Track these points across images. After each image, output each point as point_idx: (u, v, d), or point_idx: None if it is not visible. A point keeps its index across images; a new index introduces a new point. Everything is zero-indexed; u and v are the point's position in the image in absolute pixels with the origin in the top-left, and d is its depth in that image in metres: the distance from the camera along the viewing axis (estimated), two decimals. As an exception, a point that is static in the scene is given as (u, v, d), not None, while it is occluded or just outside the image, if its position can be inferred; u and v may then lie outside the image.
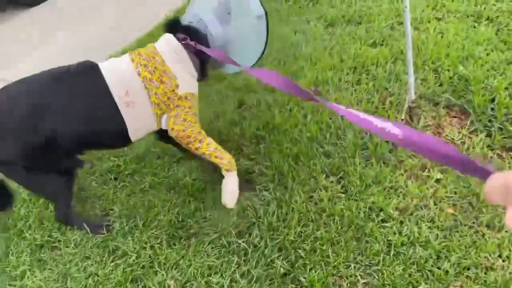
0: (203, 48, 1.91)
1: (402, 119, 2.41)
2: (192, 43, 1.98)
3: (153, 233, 2.11)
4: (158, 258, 1.97)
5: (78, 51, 4.29)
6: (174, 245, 2.04)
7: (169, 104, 1.98)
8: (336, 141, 2.36)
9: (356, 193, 2.05)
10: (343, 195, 2.07)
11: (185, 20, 2.12)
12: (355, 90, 2.72)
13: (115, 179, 2.52)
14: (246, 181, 2.29)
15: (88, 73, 1.90)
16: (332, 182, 2.14)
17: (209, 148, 2.05)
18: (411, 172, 2.13)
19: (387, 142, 2.28)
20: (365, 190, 2.06)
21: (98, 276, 1.95)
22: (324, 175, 2.18)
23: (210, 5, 2.09)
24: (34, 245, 2.19)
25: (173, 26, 2.07)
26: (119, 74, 1.90)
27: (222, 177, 2.22)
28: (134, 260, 1.99)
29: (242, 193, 2.20)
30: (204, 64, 2.11)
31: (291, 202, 2.08)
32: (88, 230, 2.17)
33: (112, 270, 1.97)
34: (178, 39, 2.02)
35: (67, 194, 2.08)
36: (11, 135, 1.79)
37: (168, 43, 2.02)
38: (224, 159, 2.07)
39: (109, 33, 4.51)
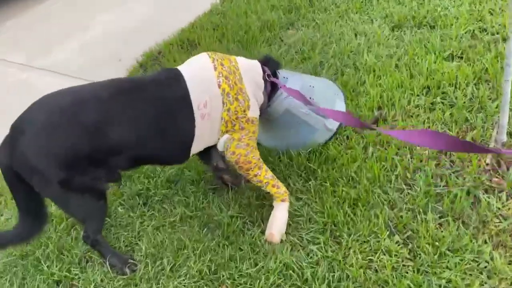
0: (280, 83, 1.98)
1: (487, 164, 1.97)
2: (272, 78, 2.00)
3: (181, 282, 1.83)
4: (184, 320, 1.69)
5: (117, 38, 4.02)
6: (205, 302, 1.75)
7: (235, 124, 1.87)
8: (403, 187, 1.96)
9: (427, 264, 1.67)
10: (410, 264, 1.69)
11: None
12: (428, 118, 2.27)
13: (144, 204, 2.25)
14: (290, 226, 1.95)
15: (170, 82, 1.82)
16: (397, 243, 1.76)
17: (267, 175, 1.94)
18: (499, 240, 1.71)
19: (467, 193, 1.86)
20: (439, 260, 1.67)
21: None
22: (387, 232, 1.80)
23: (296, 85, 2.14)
24: (51, 280, 1.97)
25: (264, 60, 2.07)
26: (200, 82, 1.81)
27: (261, 215, 2.00)
28: (157, 318, 1.72)
29: (285, 241, 1.88)
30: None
31: (345, 265, 1.73)
32: (114, 264, 1.92)
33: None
34: (262, 68, 2.00)
35: (100, 217, 1.88)
36: (66, 135, 1.62)
37: (250, 63, 1.98)
38: (281, 188, 1.96)
39: (149, 20, 4.19)
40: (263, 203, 2.08)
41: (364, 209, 1.90)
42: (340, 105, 2.38)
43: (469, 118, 2.20)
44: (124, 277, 1.90)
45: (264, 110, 2.06)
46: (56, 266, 2.01)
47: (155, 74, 1.90)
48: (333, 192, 2.00)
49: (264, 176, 1.93)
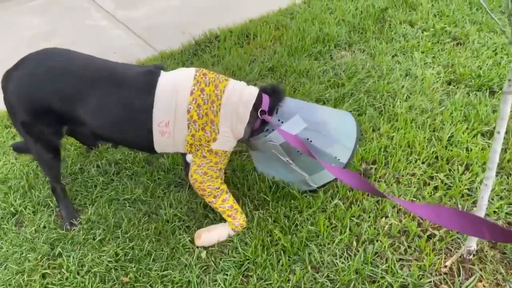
0: (273, 123, 1.84)
1: (445, 266, 1.70)
2: (265, 116, 1.84)
3: (99, 257, 1.91)
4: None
5: (197, 10, 4.14)
6: (104, 283, 1.81)
7: (198, 150, 1.85)
8: (341, 253, 1.78)
9: None
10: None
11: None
12: (417, 190, 2.01)
13: (116, 174, 2.35)
14: (217, 248, 1.90)
15: (143, 86, 1.81)
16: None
17: (223, 205, 1.93)
18: None
19: (402, 289, 1.63)
20: None
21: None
22: (296, 292, 1.67)
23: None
24: (8, 210, 2.19)
25: (272, 92, 1.91)
26: (169, 102, 1.77)
27: (199, 224, 2.00)
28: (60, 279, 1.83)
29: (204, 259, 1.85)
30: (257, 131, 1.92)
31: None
32: (62, 215, 2.11)
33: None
34: (259, 100, 1.86)
35: (50, 167, 2.04)
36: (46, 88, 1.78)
37: (241, 93, 1.83)
38: (238, 219, 1.94)
39: (222, 2, 4.23)
40: (208, 214, 2.05)
41: (288, 260, 1.78)
42: (346, 151, 2.01)
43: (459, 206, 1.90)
44: (61, 231, 2.04)
45: (250, 140, 1.94)
46: (19, 200, 2.22)
47: (140, 72, 1.85)
48: (269, 232, 1.90)
49: (219, 205, 1.92)
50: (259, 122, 1.88)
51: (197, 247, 1.91)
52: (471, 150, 2.17)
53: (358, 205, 1.97)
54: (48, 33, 3.99)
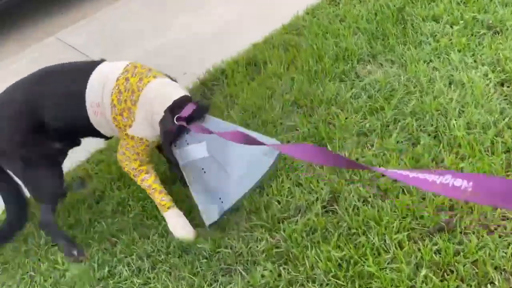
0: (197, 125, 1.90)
1: None
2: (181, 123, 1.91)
3: None
4: None
5: (194, 43, 3.78)
6: None
7: (120, 130, 2.06)
8: None
9: None
10: None
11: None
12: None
13: (152, 269, 2.02)
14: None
15: (80, 72, 2.09)
16: None
17: (142, 184, 2.12)
18: None
19: None
20: None
21: None
22: None
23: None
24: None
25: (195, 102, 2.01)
26: (99, 86, 2.02)
27: None
28: None
29: None
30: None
31: None
32: (62, 248, 2.18)
33: None
34: (180, 105, 1.95)
35: (56, 193, 2.23)
36: (8, 122, 2.07)
37: (162, 94, 1.98)
38: (156, 199, 2.11)
39: (223, 30, 3.86)
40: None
41: None
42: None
43: None
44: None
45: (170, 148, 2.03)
46: None
47: (84, 63, 2.23)
48: None
49: (140, 184, 2.13)
50: (175, 128, 1.94)
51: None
52: None
53: (452, 271, 1.63)
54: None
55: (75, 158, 2.69)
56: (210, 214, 1.95)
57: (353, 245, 1.80)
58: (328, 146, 2.28)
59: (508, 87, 2.37)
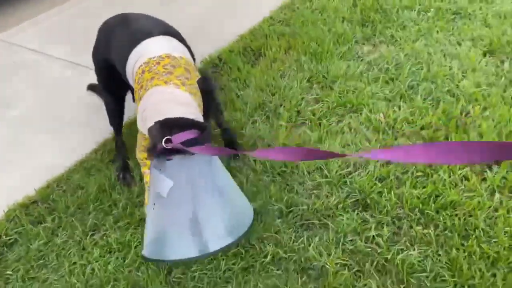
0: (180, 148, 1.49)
1: None
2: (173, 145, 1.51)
3: None
4: None
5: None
6: None
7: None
8: None
9: None
10: None
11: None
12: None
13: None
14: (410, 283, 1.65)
15: (136, 37, 2.04)
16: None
17: (144, 176, 2.06)
18: None
19: None
20: None
21: None
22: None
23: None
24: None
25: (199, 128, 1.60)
26: (134, 57, 1.98)
27: None
28: None
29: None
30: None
31: None
32: (116, 167, 2.30)
33: None
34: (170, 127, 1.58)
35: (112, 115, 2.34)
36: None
37: (159, 110, 1.69)
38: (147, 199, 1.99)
39: (199, 25, 3.88)
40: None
41: (507, 271, 1.61)
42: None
43: None
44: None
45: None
46: None
47: (148, 26, 2.13)
48: (462, 246, 1.71)
49: (142, 172, 2.05)
50: (161, 148, 1.54)
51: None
52: None
53: (518, 192, 1.88)
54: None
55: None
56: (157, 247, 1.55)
57: (425, 184, 1.96)
58: (365, 109, 2.45)
59: (490, 56, 2.80)
